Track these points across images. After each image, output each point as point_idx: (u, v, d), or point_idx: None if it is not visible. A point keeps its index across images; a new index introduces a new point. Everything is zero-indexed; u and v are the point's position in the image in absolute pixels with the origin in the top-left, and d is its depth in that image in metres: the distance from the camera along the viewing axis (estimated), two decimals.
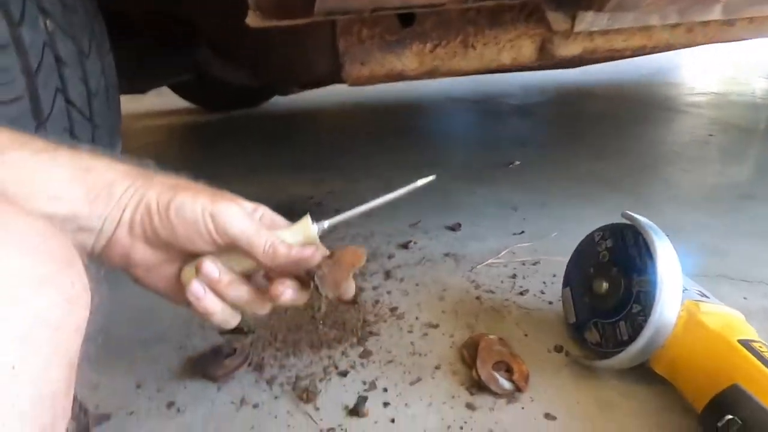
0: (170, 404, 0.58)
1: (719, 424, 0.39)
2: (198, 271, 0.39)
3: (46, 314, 0.24)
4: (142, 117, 2.13)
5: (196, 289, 0.39)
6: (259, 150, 1.58)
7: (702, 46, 0.80)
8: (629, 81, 2.34)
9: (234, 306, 0.41)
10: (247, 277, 0.42)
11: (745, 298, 0.70)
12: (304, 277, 0.42)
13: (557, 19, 0.61)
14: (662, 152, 1.40)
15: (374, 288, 0.78)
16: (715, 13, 0.62)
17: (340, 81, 0.69)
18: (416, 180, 0.45)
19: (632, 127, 1.64)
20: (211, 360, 0.62)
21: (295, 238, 0.41)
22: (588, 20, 0.60)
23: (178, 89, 1.95)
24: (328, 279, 0.41)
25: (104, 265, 0.39)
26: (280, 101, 2.21)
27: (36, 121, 0.51)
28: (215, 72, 1.24)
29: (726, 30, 0.69)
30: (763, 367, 0.43)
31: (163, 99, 2.15)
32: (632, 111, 1.86)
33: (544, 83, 2.31)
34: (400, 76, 0.70)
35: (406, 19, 0.64)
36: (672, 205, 1.02)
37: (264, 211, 0.44)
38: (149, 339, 0.69)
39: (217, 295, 0.40)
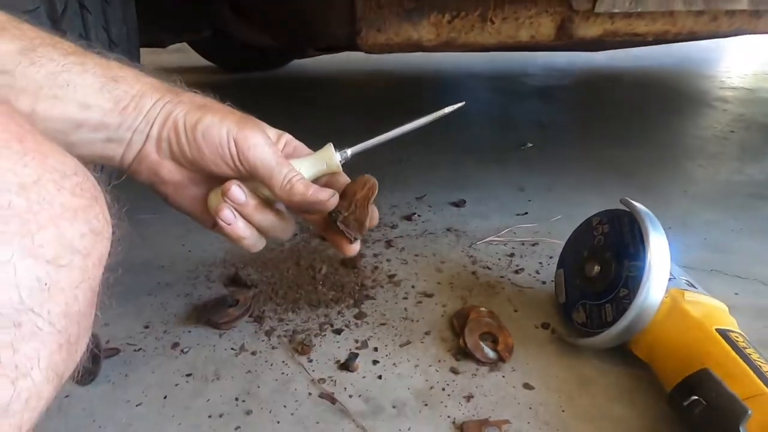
0: (175, 345, 0.62)
1: (684, 404, 0.41)
2: (224, 194, 0.39)
3: (76, 243, 0.27)
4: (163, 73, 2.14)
5: (227, 215, 0.40)
6: (278, 113, 1.60)
7: (727, 36, 0.78)
8: (659, 69, 2.26)
9: (259, 230, 0.42)
10: (271, 202, 0.43)
11: (736, 294, 0.71)
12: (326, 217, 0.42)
13: None
14: (681, 145, 1.37)
15: (374, 255, 0.81)
16: (743, 3, 0.60)
17: (356, 48, 0.70)
18: (444, 107, 0.45)
19: (655, 117, 1.61)
20: (214, 309, 0.66)
21: (318, 167, 0.42)
22: (610, 1, 0.59)
23: (198, 47, 1.95)
24: (350, 222, 0.41)
25: (135, 179, 0.40)
26: (298, 66, 2.20)
27: None
28: (235, 32, 1.24)
29: (752, 21, 0.67)
30: (734, 354, 0.44)
31: (182, 56, 2.16)
32: (657, 101, 1.82)
33: (568, 66, 2.26)
34: (416, 46, 0.70)
35: None
36: (683, 199, 1.02)
37: (288, 139, 0.44)
38: (157, 287, 0.73)
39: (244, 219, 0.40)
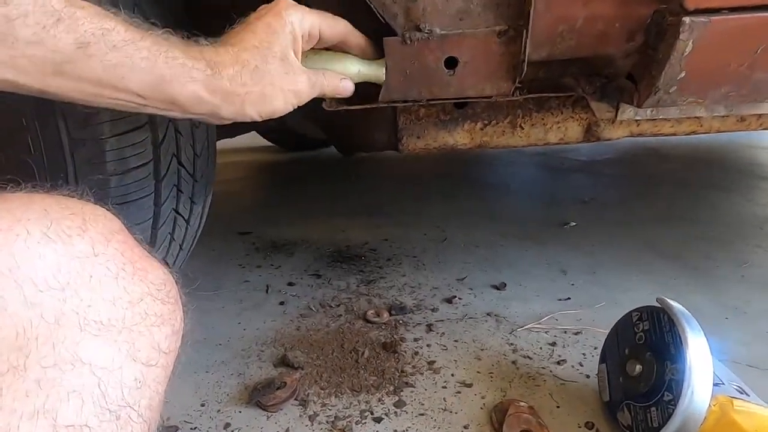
0: (227, 425, 0.66)
1: None
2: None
3: (162, 344, 0.34)
4: (231, 153, 2.39)
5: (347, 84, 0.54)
6: (323, 192, 1.72)
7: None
8: (708, 141, 2.22)
9: None
10: None
11: None
12: None
13: (601, 109, 0.65)
14: (735, 224, 1.32)
15: (415, 339, 0.83)
16: (766, 108, 0.63)
17: (397, 150, 0.78)
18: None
19: (705, 193, 1.56)
20: (264, 390, 0.71)
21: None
22: (630, 112, 0.64)
23: (262, 132, 2.19)
24: None
25: None
26: None
27: (155, 179, 0.65)
28: (296, 126, 1.40)
29: None
30: None
31: (248, 136, 2.41)
32: (708, 175, 1.77)
33: (617, 140, 2.26)
34: (451, 149, 0.77)
35: (460, 102, 0.72)
36: (740, 285, 0.97)
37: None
38: (214, 364, 0.79)
39: None
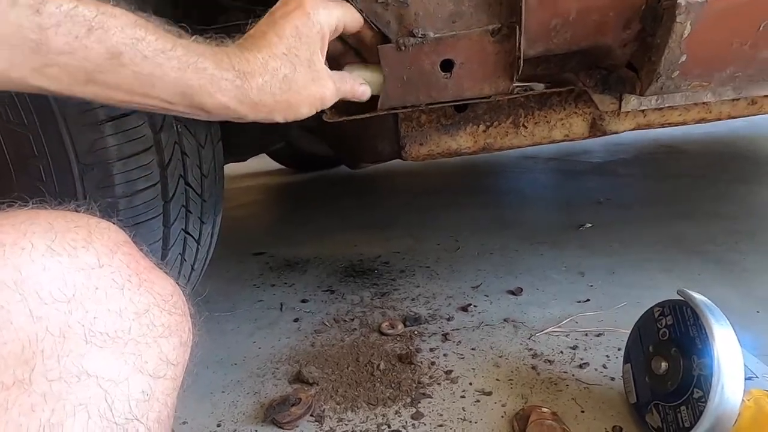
0: None
1: None
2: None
3: (170, 356, 0.34)
4: (244, 178, 2.43)
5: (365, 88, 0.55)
6: (334, 209, 1.73)
7: None
8: (728, 134, 2.17)
9: None
10: None
11: None
12: None
13: (603, 101, 0.64)
14: (761, 215, 1.27)
15: (431, 350, 0.81)
16: None
17: (401, 158, 0.78)
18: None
19: (725, 187, 1.52)
20: (279, 407, 0.70)
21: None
22: (634, 102, 0.62)
23: (272, 154, 2.23)
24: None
25: None
26: None
27: (163, 200, 0.66)
28: (303, 145, 1.42)
29: None
30: None
31: (260, 160, 2.46)
32: (727, 169, 1.72)
33: (629, 138, 2.23)
34: (455, 153, 0.76)
35: (460, 105, 0.72)
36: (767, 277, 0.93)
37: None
38: (230, 384, 0.79)
39: None
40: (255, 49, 0.45)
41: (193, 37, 0.43)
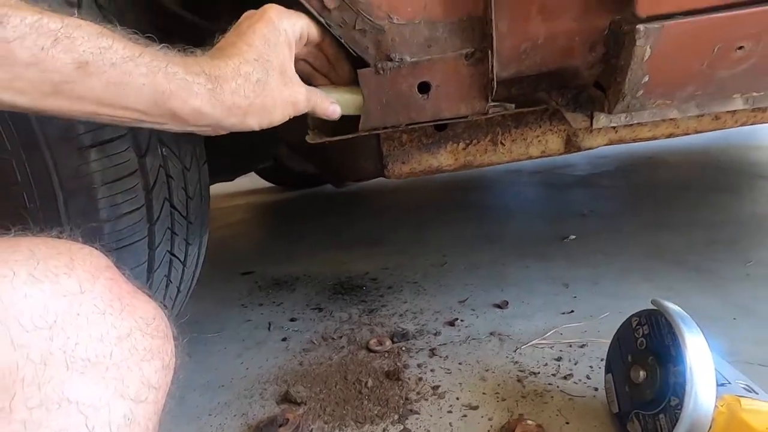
0: None
1: None
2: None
3: (152, 379, 0.34)
4: (234, 196, 2.43)
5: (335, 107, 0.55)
6: (322, 227, 1.74)
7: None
8: (704, 145, 2.23)
9: None
10: None
11: None
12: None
13: (576, 119, 0.67)
14: (738, 224, 1.31)
15: (419, 365, 0.82)
16: (738, 104, 0.64)
17: (384, 176, 0.80)
18: None
19: (704, 196, 1.56)
20: (266, 428, 0.69)
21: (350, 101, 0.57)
22: (604, 119, 0.65)
23: (261, 173, 2.24)
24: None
25: None
26: None
27: (148, 223, 0.67)
28: (290, 163, 1.44)
29: (758, 115, 0.69)
30: None
31: (248, 179, 2.47)
32: (708, 179, 1.77)
33: (612, 151, 2.28)
34: (437, 171, 0.78)
35: (440, 125, 0.74)
36: (745, 285, 0.95)
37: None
38: (217, 407, 0.78)
39: None
40: (225, 57, 0.46)
41: (161, 45, 0.42)
